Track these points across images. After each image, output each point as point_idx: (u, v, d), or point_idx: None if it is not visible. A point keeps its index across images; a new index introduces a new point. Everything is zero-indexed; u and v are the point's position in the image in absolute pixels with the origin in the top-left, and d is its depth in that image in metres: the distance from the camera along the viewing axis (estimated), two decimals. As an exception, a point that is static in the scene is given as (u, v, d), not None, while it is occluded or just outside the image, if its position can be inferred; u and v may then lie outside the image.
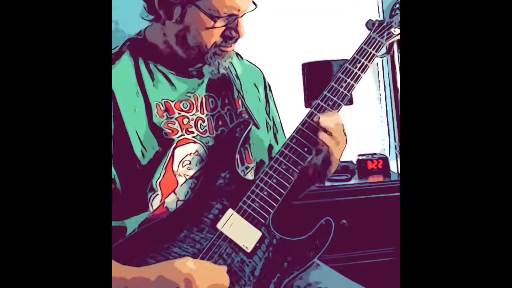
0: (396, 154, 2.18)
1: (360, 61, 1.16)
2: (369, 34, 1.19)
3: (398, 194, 1.73)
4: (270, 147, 1.29)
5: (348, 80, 1.14)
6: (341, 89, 1.14)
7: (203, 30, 1.07)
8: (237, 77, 1.26)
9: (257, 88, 1.30)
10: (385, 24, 1.20)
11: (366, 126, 2.19)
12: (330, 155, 1.11)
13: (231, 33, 1.10)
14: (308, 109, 1.15)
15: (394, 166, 2.17)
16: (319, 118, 1.09)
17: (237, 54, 1.31)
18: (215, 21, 1.06)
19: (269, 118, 1.31)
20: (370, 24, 1.22)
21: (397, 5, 2.08)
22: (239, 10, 1.06)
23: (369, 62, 1.16)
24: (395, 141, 2.19)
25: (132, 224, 1.08)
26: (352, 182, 1.94)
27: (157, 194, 1.08)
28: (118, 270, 0.99)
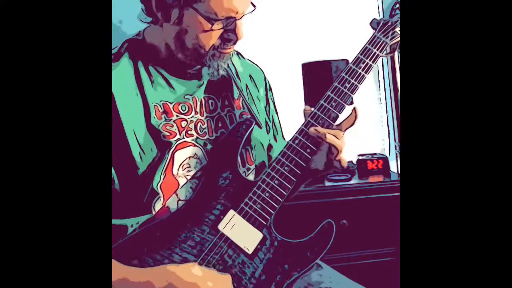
0: (396, 154, 2.18)
1: (364, 61, 1.14)
2: (373, 34, 1.17)
3: (398, 194, 1.74)
4: (269, 147, 1.29)
5: (352, 80, 1.13)
6: (345, 90, 1.13)
7: (201, 33, 1.06)
8: (238, 76, 1.26)
9: (257, 88, 1.30)
10: (389, 23, 1.18)
11: (366, 126, 2.19)
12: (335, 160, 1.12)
13: (229, 36, 1.09)
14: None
15: (394, 166, 2.17)
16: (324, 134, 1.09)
17: (238, 54, 1.31)
18: (212, 24, 1.05)
19: (269, 119, 1.31)
20: (374, 24, 1.20)
21: (397, 5, 2.08)
22: (237, 12, 1.06)
23: (373, 62, 1.15)
24: (395, 141, 2.19)
25: (133, 224, 1.08)
26: (352, 182, 1.94)
27: (159, 197, 1.08)
28: (121, 270, 0.99)
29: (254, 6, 1.11)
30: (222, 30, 1.07)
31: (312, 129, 1.09)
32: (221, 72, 1.13)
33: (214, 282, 1.00)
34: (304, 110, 1.14)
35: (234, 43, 1.11)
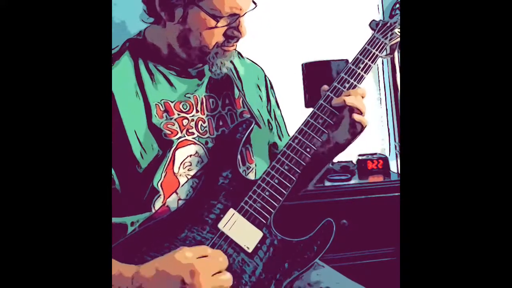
0: (396, 154, 2.18)
1: (363, 62, 1.15)
2: (372, 35, 1.19)
3: (398, 194, 1.74)
4: (275, 145, 1.29)
5: (351, 80, 1.14)
6: (344, 90, 1.13)
7: (205, 31, 1.07)
8: (238, 76, 1.26)
9: (259, 87, 1.30)
10: (388, 24, 1.19)
11: (366, 126, 2.19)
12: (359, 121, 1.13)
13: (233, 33, 1.10)
14: (309, 109, 1.15)
15: (394, 166, 2.17)
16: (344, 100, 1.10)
17: (238, 53, 1.31)
18: (217, 21, 1.06)
19: (271, 117, 1.31)
20: (373, 25, 1.21)
21: (397, 5, 2.08)
22: (241, 9, 1.07)
23: (372, 62, 1.16)
24: (395, 141, 2.19)
25: (133, 222, 1.09)
26: (352, 182, 1.94)
27: (159, 195, 1.08)
28: (118, 268, 0.99)
29: (255, 3, 1.11)
30: (225, 28, 1.08)
31: (334, 100, 1.11)
32: (224, 70, 1.14)
33: (208, 259, 0.99)
34: (322, 89, 1.15)
35: (237, 40, 1.12)
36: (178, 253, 0.98)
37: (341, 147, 1.18)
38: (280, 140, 1.31)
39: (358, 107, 1.11)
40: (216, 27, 1.06)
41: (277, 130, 1.31)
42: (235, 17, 1.07)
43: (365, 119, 1.13)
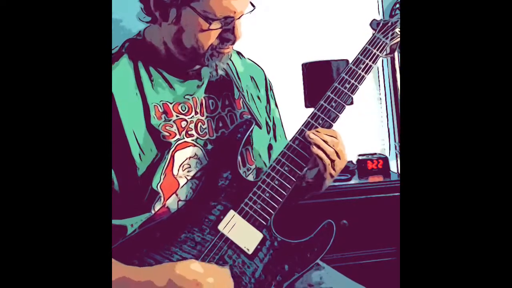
0: (396, 154, 2.18)
1: (364, 62, 1.15)
2: (373, 35, 1.18)
3: (398, 194, 1.74)
4: (270, 146, 1.29)
5: (352, 81, 1.13)
6: (345, 90, 1.13)
7: (199, 32, 1.06)
8: (238, 77, 1.26)
9: (258, 88, 1.30)
10: (389, 24, 1.19)
11: (366, 126, 2.20)
12: (324, 173, 1.12)
13: (227, 35, 1.09)
14: (309, 109, 1.15)
15: (394, 166, 2.17)
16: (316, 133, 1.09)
17: (238, 53, 1.31)
18: (210, 23, 1.05)
19: (269, 118, 1.30)
20: (374, 24, 1.21)
21: (397, 5, 2.08)
22: (235, 12, 1.06)
23: (373, 62, 1.15)
24: (395, 141, 2.19)
25: (132, 224, 1.08)
26: (352, 182, 1.94)
27: (159, 197, 1.08)
28: (121, 270, 0.99)
29: (253, 6, 1.10)
30: (220, 30, 1.07)
31: (308, 133, 1.10)
32: (220, 72, 1.13)
33: (214, 277, 0.99)
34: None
35: (233, 43, 1.11)
36: (185, 264, 0.98)
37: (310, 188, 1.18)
38: (275, 141, 1.30)
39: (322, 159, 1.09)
40: (209, 29, 1.06)
41: (273, 132, 1.31)
42: (229, 19, 1.06)
43: (328, 179, 1.12)
